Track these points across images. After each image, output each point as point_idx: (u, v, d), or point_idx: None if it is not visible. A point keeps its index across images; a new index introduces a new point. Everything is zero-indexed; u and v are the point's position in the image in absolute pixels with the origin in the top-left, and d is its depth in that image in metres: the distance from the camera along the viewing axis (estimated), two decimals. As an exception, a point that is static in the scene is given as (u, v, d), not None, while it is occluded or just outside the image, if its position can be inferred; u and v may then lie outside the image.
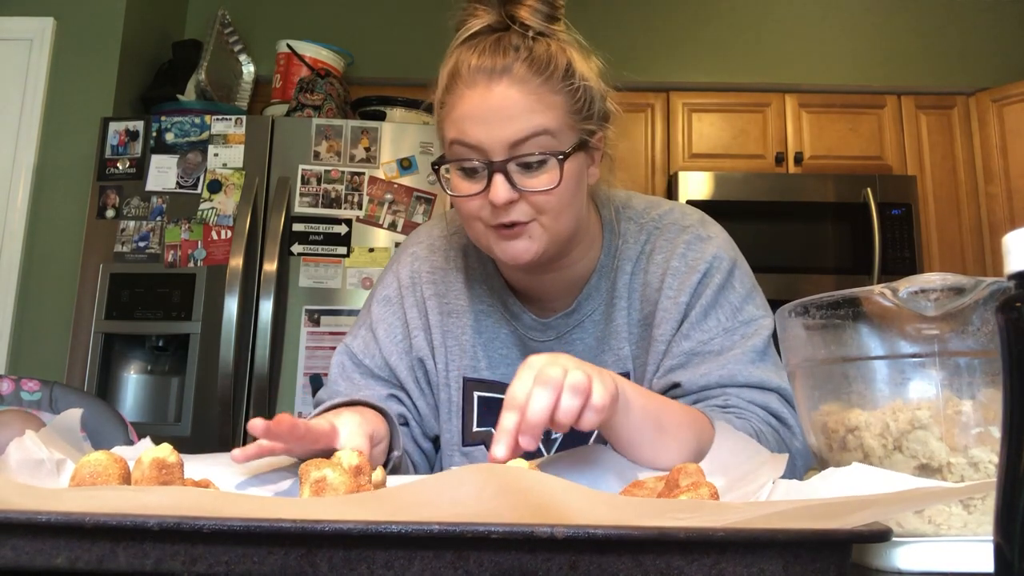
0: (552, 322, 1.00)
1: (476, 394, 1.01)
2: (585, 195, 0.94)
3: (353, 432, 0.74)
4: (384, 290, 1.07)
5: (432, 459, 1.05)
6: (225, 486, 0.67)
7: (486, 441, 1.00)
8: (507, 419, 0.67)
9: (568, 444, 0.93)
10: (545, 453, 0.97)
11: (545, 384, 0.67)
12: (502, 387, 1.00)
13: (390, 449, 0.85)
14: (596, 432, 0.91)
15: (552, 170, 0.86)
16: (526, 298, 1.02)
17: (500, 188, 0.85)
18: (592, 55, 0.94)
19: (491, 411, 1.00)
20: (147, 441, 0.75)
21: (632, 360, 0.98)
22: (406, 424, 1.01)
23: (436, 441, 1.05)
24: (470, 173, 0.88)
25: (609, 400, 0.69)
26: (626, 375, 0.97)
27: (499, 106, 0.85)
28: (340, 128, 2.70)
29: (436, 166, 0.91)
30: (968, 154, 3.27)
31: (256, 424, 0.64)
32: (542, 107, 0.86)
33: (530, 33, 0.88)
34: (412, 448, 1.01)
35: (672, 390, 0.92)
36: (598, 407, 0.68)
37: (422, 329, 1.03)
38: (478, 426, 1.01)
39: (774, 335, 0.88)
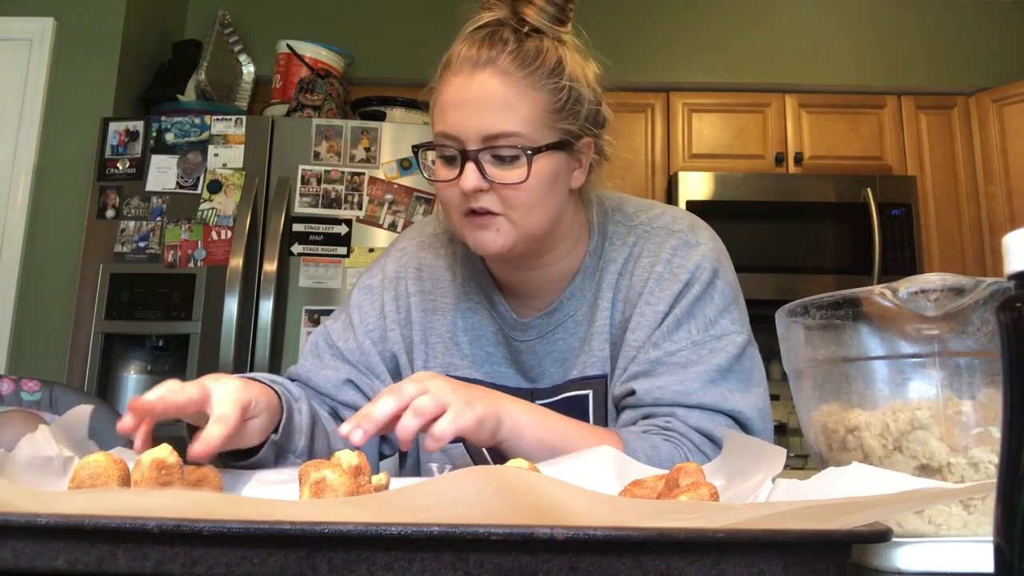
0: (532, 321, 1.01)
1: None
2: (563, 196, 0.94)
3: (224, 399, 0.72)
4: (368, 280, 1.09)
5: (395, 444, 1.04)
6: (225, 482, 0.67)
7: (466, 439, 1.01)
8: (364, 408, 0.73)
9: None
10: None
11: (392, 393, 0.73)
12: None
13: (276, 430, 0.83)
14: None
15: (523, 165, 0.88)
16: (512, 296, 1.03)
17: (469, 176, 0.88)
18: (591, 60, 0.94)
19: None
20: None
21: (611, 362, 0.98)
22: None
23: None
24: (449, 160, 0.91)
25: (452, 430, 0.73)
26: (604, 377, 0.98)
27: (477, 95, 0.87)
28: (340, 128, 2.70)
29: (416, 149, 0.94)
30: (968, 154, 3.27)
31: (125, 424, 0.66)
32: (520, 101, 0.87)
33: (525, 29, 0.90)
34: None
35: (628, 397, 0.93)
36: (436, 435, 0.73)
37: (399, 324, 1.04)
38: None
39: (773, 336, 0.89)
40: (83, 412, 0.71)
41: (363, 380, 1.01)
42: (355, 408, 1.00)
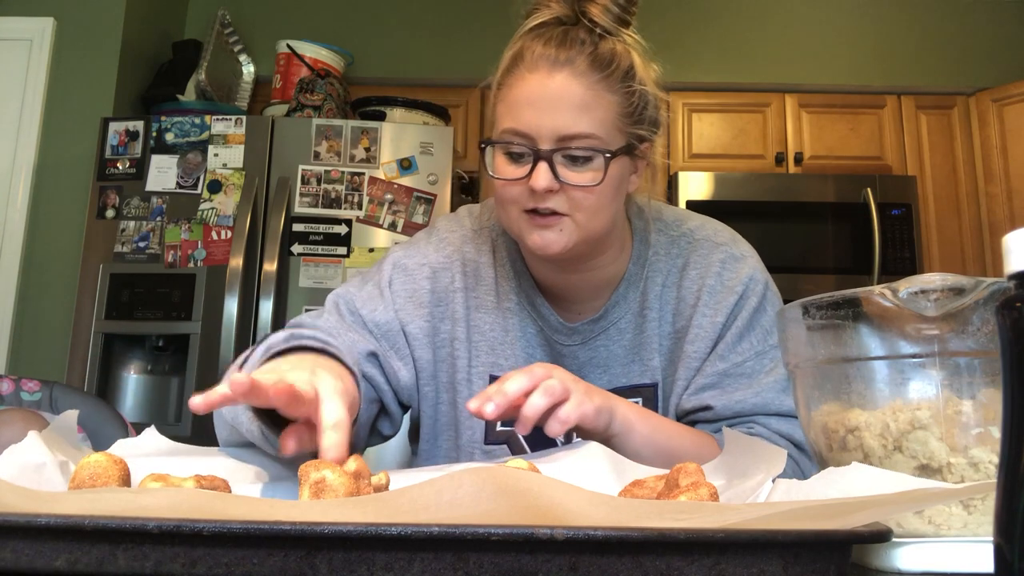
0: (579, 327, 1.00)
1: None
2: (623, 200, 0.95)
3: (335, 401, 0.66)
4: (405, 259, 1.03)
5: (398, 424, 1.02)
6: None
7: (509, 441, 1.00)
8: (491, 387, 0.76)
9: None
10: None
11: (526, 373, 0.77)
12: None
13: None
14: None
15: (597, 168, 0.88)
16: (553, 298, 1.02)
17: (542, 175, 0.86)
18: (652, 62, 0.95)
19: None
20: (152, 431, 0.74)
21: (661, 371, 0.99)
22: (374, 388, 0.98)
23: (405, 408, 1.03)
24: (515, 157, 0.89)
25: (576, 417, 0.77)
26: (654, 386, 0.99)
27: (556, 95, 0.86)
28: (340, 128, 2.70)
29: (484, 145, 0.92)
30: (968, 154, 3.27)
31: (210, 401, 0.58)
32: (596, 104, 0.87)
33: (597, 30, 0.90)
34: (369, 411, 0.98)
35: (703, 411, 0.95)
36: (561, 418, 0.76)
37: (433, 317, 1.01)
38: (502, 425, 1.00)
39: None
40: (71, 417, 0.71)
41: (384, 357, 0.97)
42: (372, 381, 0.97)
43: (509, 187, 0.90)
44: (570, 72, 0.87)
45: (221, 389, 0.61)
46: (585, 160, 0.87)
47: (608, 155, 0.87)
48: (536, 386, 0.76)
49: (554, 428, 0.76)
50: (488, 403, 0.73)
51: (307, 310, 2.54)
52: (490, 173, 0.91)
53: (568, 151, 0.87)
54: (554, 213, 0.89)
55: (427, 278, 1.02)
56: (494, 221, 1.05)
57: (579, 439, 0.97)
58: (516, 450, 1.00)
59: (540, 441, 0.98)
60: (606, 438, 0.83)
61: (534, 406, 0.75)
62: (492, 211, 1.07)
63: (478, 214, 1.08)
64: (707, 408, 0.94)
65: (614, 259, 0.99)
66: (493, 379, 1.00)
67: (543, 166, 0.86)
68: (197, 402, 0.60)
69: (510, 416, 0.77)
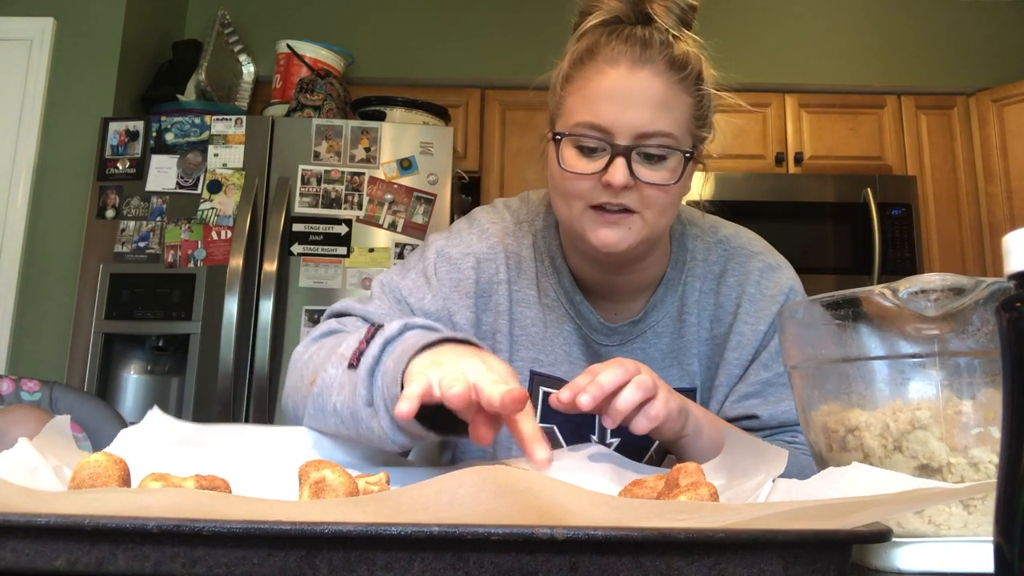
0: (619, 327, 1.00)
1: (541, 389, 1.00)
2: (681, 201, 0.95)
3: (528, 409, 0.67)
4: (448, 248, 1.01)
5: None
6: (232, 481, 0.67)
7: (548, 437, 0.99)
8: (580, 379, 0.74)
9: (624, 451, 0.91)
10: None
11: (620, 366, 0.74)
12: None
13: None
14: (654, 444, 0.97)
15: (671, 168, 0.88)
16: (592, 298, 1.01)
17: (620, 171, 0.86)
18: (711, 66, 0.95)
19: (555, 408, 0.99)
20: (156, 410, 0.74)
21: (698, 376, 1.00)
22: None
23: None
24: (588, 152, 0.88)
25: (664, 415, 0.75)
26: (693, 391, 0.99)
27: (638, 91, 0.86)
28: (340, 128, 2.70)
29: (558, 138, 0.90)
30: (968, 154, 3.27)
31: (463, 395, 0.60)
32: (675, 104, 0.87)
33: (670, 33, 0.90)
34: None
35: (749, 420, 0.95)
36: (651, 415, 0.75)
37: (476, 309, 0.99)
38: (541, 422, 0.99)
39: None
40: (63, 422, 0.70)
41: None
42: None
43: (578, 181, 0.88)
44: (652, 70, 0.87)
45: (415, 392, 0.62)
46: (660, 159, 0.87)
47: (687, 155, 0.88)
48: (628, 380, 0.74)
49: (641, 425, 0.75)
50: (583, 394, 0.71)
51: (307, 310, 2.56)
52: (561, 166, 0.89)
53: (645, 148, 0.86)
54: (624, 210, 0.88)
55: (472, 268, 1.00)
56: (532, 216, 1.05)
57: (613, 440, 0.97)
58: (553, 446, 0.98)
59: (575, 438, 0.98)
60: (678, 439, 0.82)
61: (627, 400, 0.73)
62: (531, 206, 1.06)
63: (516, 208, 1.06)
64: (753, 417, 0.95)
65: (657, 262, 0.99)
66: (534, 375, 1.00)
67: (620, 161, 0.86)
68: (404, 409, 0.62)
69: (601, 410, 0.75)
